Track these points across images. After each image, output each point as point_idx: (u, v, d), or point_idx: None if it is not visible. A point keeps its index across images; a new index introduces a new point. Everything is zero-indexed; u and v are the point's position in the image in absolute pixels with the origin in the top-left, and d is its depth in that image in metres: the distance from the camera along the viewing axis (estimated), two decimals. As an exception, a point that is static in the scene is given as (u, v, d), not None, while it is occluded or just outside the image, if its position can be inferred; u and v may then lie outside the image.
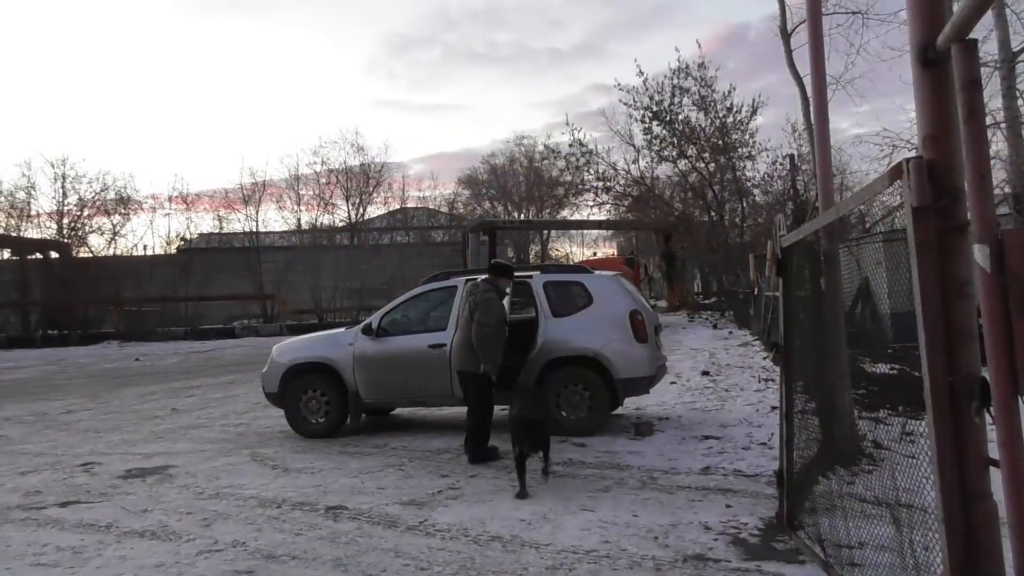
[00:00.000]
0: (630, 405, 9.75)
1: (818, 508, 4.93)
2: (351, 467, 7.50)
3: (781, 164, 31.72)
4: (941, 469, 2.62)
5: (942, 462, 2.63)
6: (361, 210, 51.36)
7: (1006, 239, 2.54)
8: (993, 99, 15.42)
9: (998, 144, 15.96)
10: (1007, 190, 16.48)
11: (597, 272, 9.70)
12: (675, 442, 8.04)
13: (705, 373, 13.37)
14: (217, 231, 49.05)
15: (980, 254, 2.56)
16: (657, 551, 4.81)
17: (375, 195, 52.29)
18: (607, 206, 35.45)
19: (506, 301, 8.21)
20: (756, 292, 19.51)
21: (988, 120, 15.43)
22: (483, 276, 8.14)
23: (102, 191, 45.60)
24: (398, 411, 10.36)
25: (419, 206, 54.22)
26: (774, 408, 8.67)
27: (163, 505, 6.33)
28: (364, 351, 9.05)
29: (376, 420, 10.13)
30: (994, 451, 2.54)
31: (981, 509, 2.59)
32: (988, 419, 2.58)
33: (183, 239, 48.30)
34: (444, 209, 54.28)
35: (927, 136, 2.91)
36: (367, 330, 9.18)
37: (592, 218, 38.93)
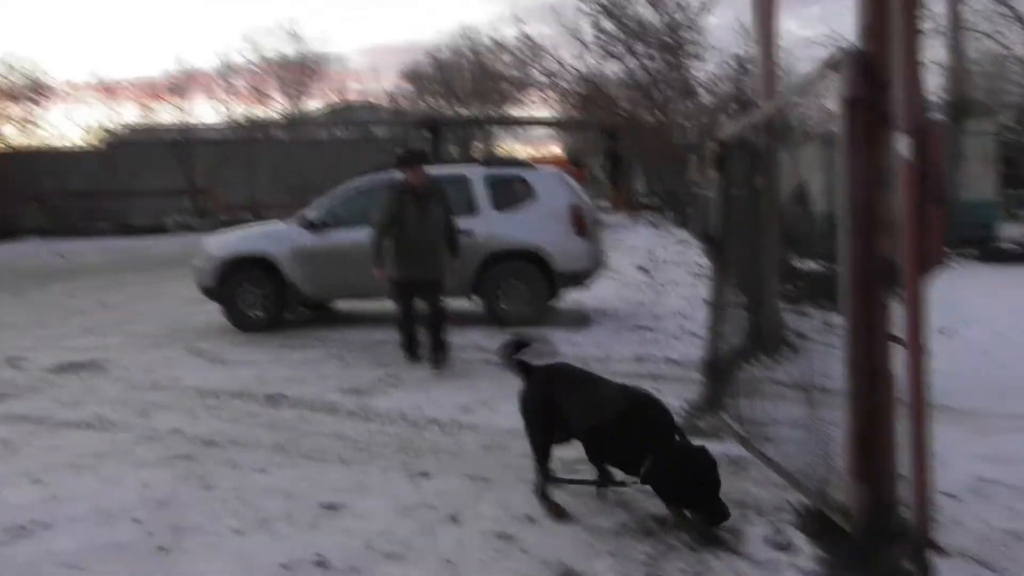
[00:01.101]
0: (568, 298, 9.95)
1: (740, 392, 5.19)
2: (291, 359, 7.56)
3: (728, 65, 31.56)
4: (851, 345, 2.79)
5: (852, 339, 2.80)
6: (299, 103, 49.66)
7: (927, 131, 2.64)
8: (937, 2, 15.50)
9: (939, 51, 16.14)
10: (945, 97, 16.82)
11: (539, 167, 9.70)
12: (610, 332, 8.29)
13: (642, 269, 13.65)
14: (144, 123, 46.82)
15: (903, 145, 2.66)
16: (587, 432, 5.03)
17: (313, 88, 50.45)
18: (552, 103, 35.04)
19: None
20: (696, 192, 19.79)
21: (931, 26, 15.57)
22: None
23: (6, 74, 42.25)
24: (339, 304, 10.38)
25: (360, 100, 52.65)
26: (706, 301, 8.96)
27: (97, 397, 6.30)
28: (303, 245, 8.97)
29: (316, 314, 10.14)
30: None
31: (883, 382, 2.79)
32: (896, 300, 2.75)
33: (106, 131, 45.95)
34: (386, 104, 52.82)
35: (864, 27, 2.96)
36: (306, 224, 9.08)
37: (537, 115, 38.48)
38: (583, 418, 3.82)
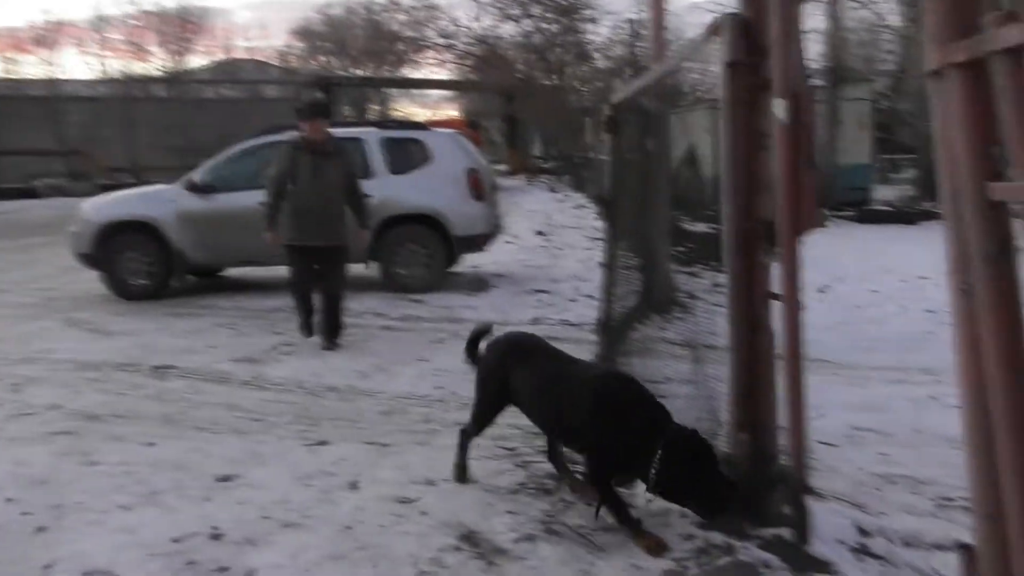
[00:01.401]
0: (466, 262, 9.96)
1: (633, 351, 5.34)
2: (178, 328, 7.27)
3: (622, 29, 31.90)
4: (733, 302, 2.92)
5: (734, 296, 2.92)
6: (180, 60, 47.12)
7: (800, 94, 2.75)
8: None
9: (818, 18, 16.75)
10: (823, 64, 17.53)
11: (435, 130, 9.59)
12: (508, 296, 8.37)
13: (540, 233, 13.79)
14: (7, 77, 43.26)
15: (779, 108, 2.76)
16: (486, 394, 5.08)
17: (196, 43, 47.91)
18: (449, 65, 34.59)
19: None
20: (592, 156, 20.05)
21: (810, -8, 16.14)
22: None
23: None
24: (229, 271, 10.03)
25: (248, 58, 50.43)
26: (601, 264, 9.15)
27: (-35, 371, 5.90)
28: (189, 208, 8.60)
29: (205, 281, 9.77)
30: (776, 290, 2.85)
31: (763, 337, 2.92)
32: (774, 258, 2.88)
33: (-40, 84, 42.21)
34: (276, 63, 50.79)
35: (745, -9, 3.04)
36: (191, 186, 8.69)
37: (434, 77, 37.92)
38: (544, 414, 3.48)
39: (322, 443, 4.25)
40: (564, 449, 3.67)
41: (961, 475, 1.88)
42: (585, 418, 3.15)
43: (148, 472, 3.86)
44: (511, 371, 3.55)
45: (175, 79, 46.82)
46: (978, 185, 1.35)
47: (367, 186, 8.40)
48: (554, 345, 3.75)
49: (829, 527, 2.98)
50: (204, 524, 3.28)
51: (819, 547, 2.93)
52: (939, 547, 2.97)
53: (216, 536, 3.19)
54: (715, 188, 4.04)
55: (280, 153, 6.36)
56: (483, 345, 3.84)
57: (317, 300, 6.44)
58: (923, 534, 3.10)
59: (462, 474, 3.69)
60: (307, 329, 6.43)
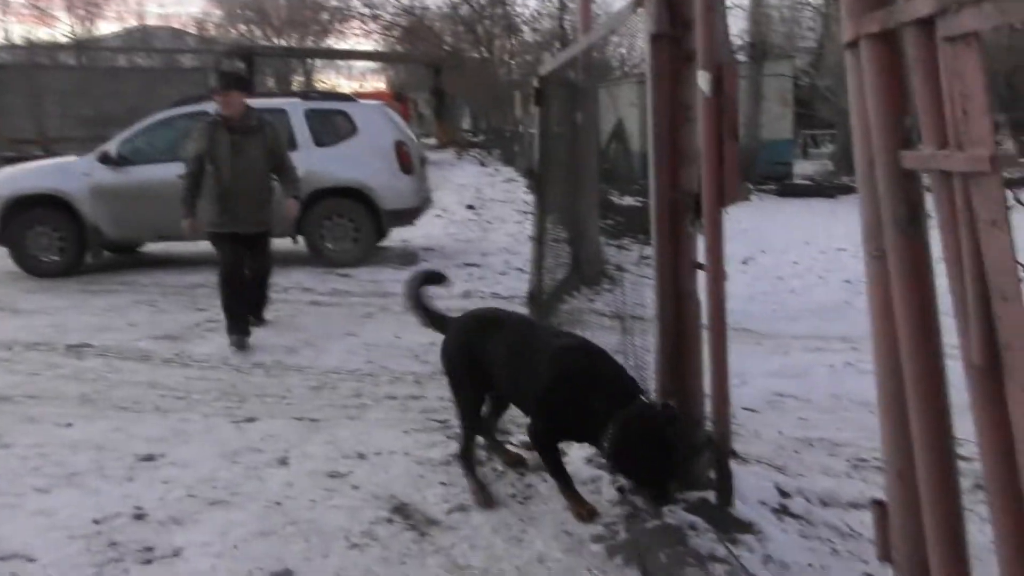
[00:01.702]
0: (396, 237, 9.86)
1: (563, 322, 5.39)
2: (95, 305, 7.00)
3: (550, 2, 31.81)
4: (659, 273, 2.97)
5: (661, 267, 2.97)
6: (89, 26, 44.95)
7: (724, 67, 2.79)
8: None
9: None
10: (746, 39, 17.86)
11: (362, 102, 9.41)
12: (438, 270, 8.32)
13: (470, 207, 13.74)
14: None
15: (703, 80, 2.80)
16: (417, 367, 5.07)
17: (106, 9, 45.73)
18: (375, 36, 33.98)
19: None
20: (522, 130, 20.01)
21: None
22: None
23: None
24: (148, 247, 9.69)
25: (162, 25, 48.40)
26: (531, 237, 9.20)
27: None
28: (103, 182, 8.25)
29: (122, 257, 9.41)
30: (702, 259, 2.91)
31: (688, 307, 2.99)
32: (699, 229, 2.93)
33: None
34: (192, 30, 48.89)
35: (669, -34, 3.05)
36: (105, 159, 8.33)
37: (359, 48, 37.19)
38: (515, 387, 3.24)
39: (249, 420, 4.18)
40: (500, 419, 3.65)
41: (875, 437, 1.97)
42: (539, 383, 3.02)
43: (66, 453, 3.72)
44: (479, 352, 3.27)
45: (84, 46, 44.60)
46: (890, 154, 1.39)
47: (291, 159, 8.25)
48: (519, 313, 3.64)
49: (751, 489, 3.09)
50: (127, 504, 3.19)
51: (742, 509, 3.03)
52: (854, 506, 3.11)
53: (140, 516, 3.11)
54: (642, 162, 4.06)
55: (196, 131, 5.68)
56: (429, 297, 3.65)
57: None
58: (839, 494, 3.24)
59: (485, 496, 3.20)
60: (240, 331, 5.58)
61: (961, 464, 1.53)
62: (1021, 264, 1.17)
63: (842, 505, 3.14)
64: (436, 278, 3.81)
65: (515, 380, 3.21)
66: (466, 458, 3.34)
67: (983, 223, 1.18)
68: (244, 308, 5.72)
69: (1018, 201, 1.14)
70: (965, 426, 1.48)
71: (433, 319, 3.62)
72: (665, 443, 2.79)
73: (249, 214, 5.61)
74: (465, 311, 3.68)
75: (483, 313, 3.64)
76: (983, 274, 1.21)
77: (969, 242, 1.22)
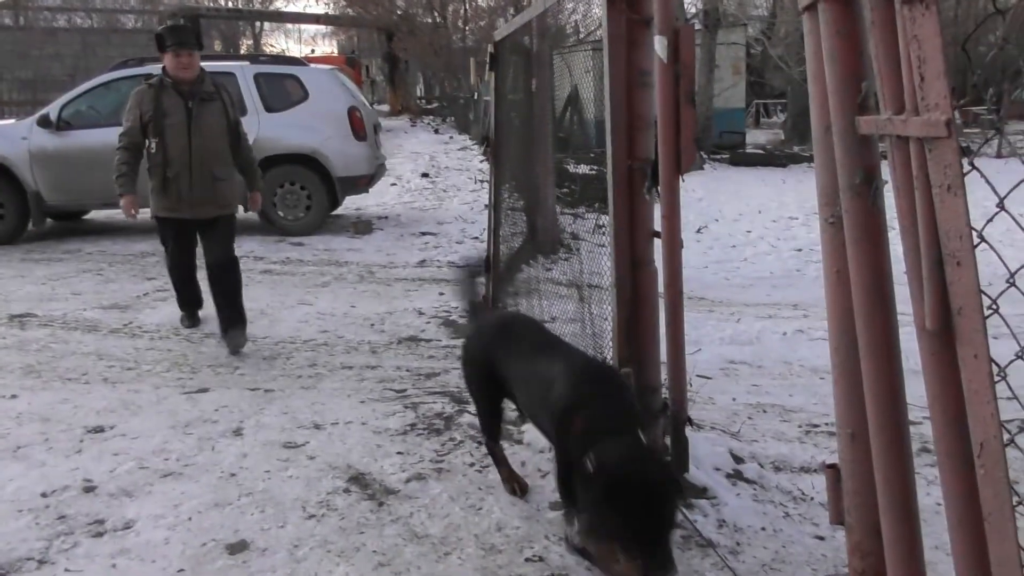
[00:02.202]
0: (350, 205, 9.73)
1: (520, 291, 5.40)
2: (38, 274, 6.79)
3: (505, -34, 31.36)
4: (616, 241, 2.96)
5: (617, 235, 2.97)
6: (27, -15, 43.03)
7: (681, 32, 2.77)
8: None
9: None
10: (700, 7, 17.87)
11: (313, 66, 9.20)
12: (393, 239, 8.25)
13: (425, 175, 13.60)
14: None
15: (659, 45, 2.78)
16: (373, 336, 5.03)
17: (45, -33, 43.84)
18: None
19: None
20: (476, 97, 19.82)
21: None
22: None
23: None
24: (93, 215, 9.41)
25: (104, -15, 46.57)
26: (487, 206, 9.17)
27: None
28: (43, 146, 7.96)
29: (66, 225, 9.13)
30: (658, 226, 2.92)
31: (644, 273, 2.99)
32: (655, 196, 2.93)
33: None
34: (136, -9, 47.15)
35: (626, -71, 3.01)
36: (45, 122, 8.03)
37: (309, 11, 36.33)
38: (529, 405, 2.88)
39: (202, 391, 4.10)
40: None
41: (826, 403, 2.00)
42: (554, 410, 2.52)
43: (11, 425, 3.62)
44: (497, 362, 2.92)
45: (22, 6, 42.70)
46: (847, 119, 1.40)
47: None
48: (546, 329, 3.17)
49: (706, 455, 3.14)
50: (75, 477, 3.11)
51: (697, 474, 3.08)
52: (806, 470, 3.19)
53: (89, 489, 3.04)
54: (599, 130, 4.05)
55: (135, 96, 4.67)
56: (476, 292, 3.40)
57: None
58: (791, 459, 3.32)
59: (513, 486, 2.99)
60: (193, 319, 5.25)
61: (911, 428, 1.56)
62: (975, 229, 1.18)
63: (794, 470, 3.21)
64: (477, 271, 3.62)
65: (531, 396, 2.79)
66: (492, 453, 3.07)
67: (938, 188, 1.19)
68: (198, 302, 5.20)
69: (972, 166, 1.15)
70: (912, 390, 1.51)
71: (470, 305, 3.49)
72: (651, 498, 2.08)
73: (206, 196, 4.67)
74: (494, 313, 3.56)
75: (507, 320, 3.28)
76: (937, 239, 1.22)
77: (924, 207, 1.23)
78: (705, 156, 14.75)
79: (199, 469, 3.21)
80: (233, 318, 4.76)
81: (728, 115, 17.04)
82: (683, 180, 2.82)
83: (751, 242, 8.39)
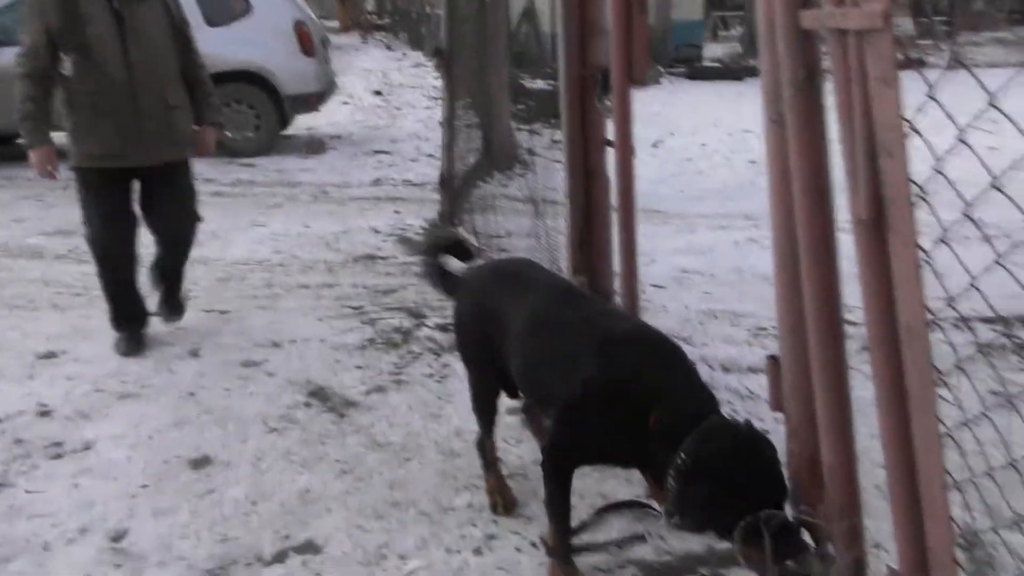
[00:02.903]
0: (301, 125, 9.49)
1: (475, 208, 5.38)
2: (-25, 202, 6.57)
3: None
4: (569, 151, 2.97)
5: (570, 144, 2.96)
6: None
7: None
8: None
9: None
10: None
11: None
12: (347, 158, 8.11)
13: (377, 93, 13.29)
14: None
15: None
16: (329, 255, 5.01)
17: None
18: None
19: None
20: (429, 11, 19.25)
21: None
22: None
23: None
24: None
25: None
26: (442, 123, 9.02)
27: None
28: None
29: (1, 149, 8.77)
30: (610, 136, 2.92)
31: (597, 183, 3.01)
32: (608, 105, 2.92)
33: None
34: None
35: None
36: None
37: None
38: (535, 380, 2.23)
39: (155, 314, 4.06)
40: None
41: (774, 307, 2.06)
42: (572, 381, 2.03)
43: (-42, 354, 3.57)
44: (492, 320, 2.30)
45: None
46: (790, 14, 1.40)
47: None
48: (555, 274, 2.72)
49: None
50: (30, 402, 3.10)
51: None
52: (753, 371, 3.30)
53: (45, 413, 3.03)
54: (554, 44, 3.98)
55: (35, 3, 3.33)
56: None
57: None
58: (740, 360, 3.43)
59: (506, 500, 2.43)
60: (136, 341, 3.63)
61: (850, 329, 1.62)
62: (907, 121, 1.21)
63: (742, 370, 3.33)
64: (460, 251, 2.73)
65: (536, 371, 2.20)
66: (481, 450, 2.48)
67: (874, 80, 1.21)
68: (142, 302, 3.73)
69: (906, 58, 1.17)
70: (852, 292, 1.56)
71: (447, 286, 2.62)
72: (771, 471, 1.79)
73: (159, 131, 3.43)
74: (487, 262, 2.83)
75: (505, 267, 2.64)
76: (872, 132, 1.25)
77: (860, 100, 1.25)
78: (662, 70, 14.61)
79: (157, 390, 3.22)
80: (173, 305, 3.81)
81: (686, 27, 16.81)
82: (639, 90, 2.81)
83: (706, 155, 8.41)
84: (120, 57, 3.33)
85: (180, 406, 3.08)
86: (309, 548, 2.25)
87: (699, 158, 8.30)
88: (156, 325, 3.84)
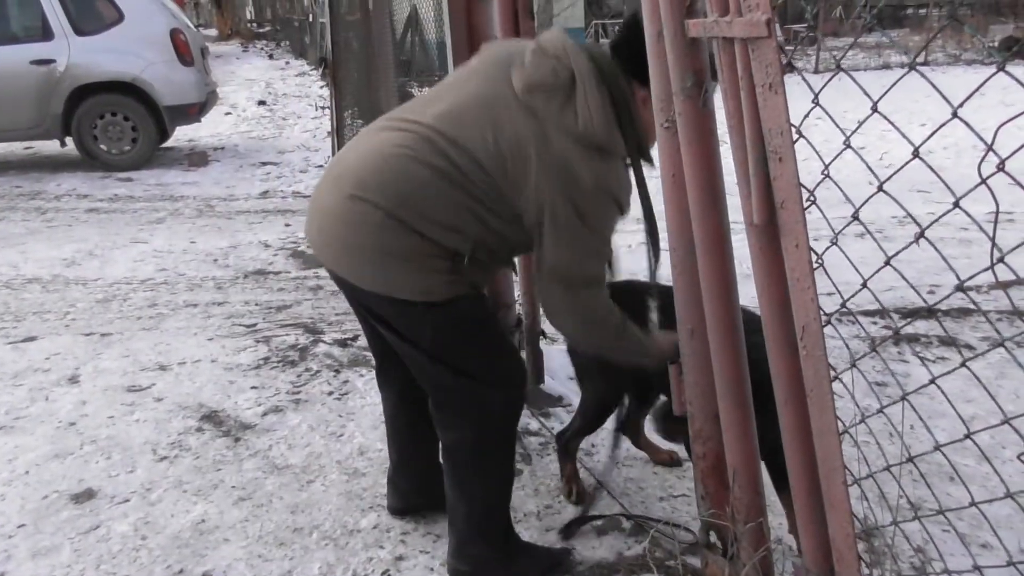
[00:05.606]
0: (181, 137, 9.12)
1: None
2: None
3: None
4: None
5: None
6: None
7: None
8: None
9: None
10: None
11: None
12: (232, 170, 7.84)
13: (262, 103, 12.93)
14: None
15: (495, -43, 2.73)
16: (217, 272, 4.81)
17: None
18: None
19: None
20: (312, 19, 18.85)
21: None
22: None
23: None
24: None
25: None
26: (330, 133, 8.84)
27: None
28: None
29: None
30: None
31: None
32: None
33: None
34: None
35: None
36: None
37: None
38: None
39: (29, 339, 3.80)
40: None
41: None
42: None
43: None
44: None
45: None
46: (677, 23, 1.43)
47: (48, 49, 7.31)
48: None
49: (560, 366, 3.25)
50: None
51: (552, 384, 3.21)
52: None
53: (-96, 455, 2.77)
54: (440, 51, 3.94)
55: None
56: None
57: None
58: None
59: (571, 487, 2.46)
60: None
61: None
62: (794, 126, 1.25)
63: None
64: None
65: None
66: (565, 441, 2.49)
67: (761, 87, 1.25)
68: None
69: (791, 65, 1.22)
70: (747, 293, 1.61)
71: None
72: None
73: None
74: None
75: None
76: (762, 137, 1.29)
77: (749, 107, 1.29)
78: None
79: (33, 421, 3.00)
80: None
81: (569, 35, 17.12)
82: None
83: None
84: None
85: (60, 437, 2.88)
86: (208, 581, 2.14)
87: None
88: (30, 353, 3.60)
